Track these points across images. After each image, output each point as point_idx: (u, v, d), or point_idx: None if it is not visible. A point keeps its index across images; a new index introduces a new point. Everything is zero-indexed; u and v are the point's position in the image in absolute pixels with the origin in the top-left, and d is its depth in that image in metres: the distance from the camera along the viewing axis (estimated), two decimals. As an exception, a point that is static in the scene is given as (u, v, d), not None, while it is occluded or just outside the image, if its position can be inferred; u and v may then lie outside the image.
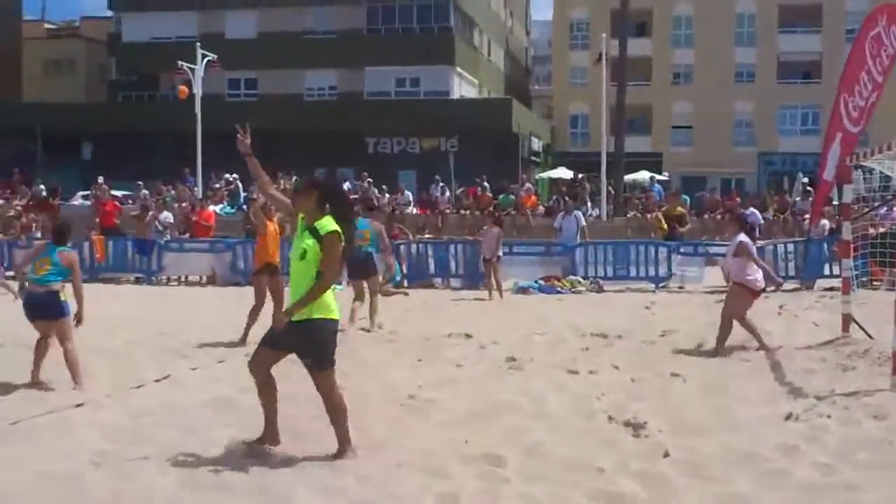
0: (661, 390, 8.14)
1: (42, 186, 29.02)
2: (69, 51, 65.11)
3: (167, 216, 21.12)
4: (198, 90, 34.63)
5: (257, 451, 5.96)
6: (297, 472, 5.58)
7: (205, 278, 20.28)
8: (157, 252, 20.15)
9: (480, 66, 53.89)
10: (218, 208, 27.75)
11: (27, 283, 8.34)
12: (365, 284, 12.24)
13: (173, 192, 28.91)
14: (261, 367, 6.04)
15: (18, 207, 24.36)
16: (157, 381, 8.51)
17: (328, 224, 5.67)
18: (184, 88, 32.05)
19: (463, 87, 49.89)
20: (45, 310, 8.12)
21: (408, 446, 6.18)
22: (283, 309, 6.02)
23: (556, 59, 60.29)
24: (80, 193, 35.57)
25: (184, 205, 25.26)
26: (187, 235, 21.57)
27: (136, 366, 9.27)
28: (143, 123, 46.25)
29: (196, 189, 31.83)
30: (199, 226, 21.38)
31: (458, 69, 48.92)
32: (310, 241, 5.65)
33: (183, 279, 20.53)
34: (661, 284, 18.48)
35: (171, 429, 6.55)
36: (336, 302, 5.90)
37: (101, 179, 26.37)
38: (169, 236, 21.01)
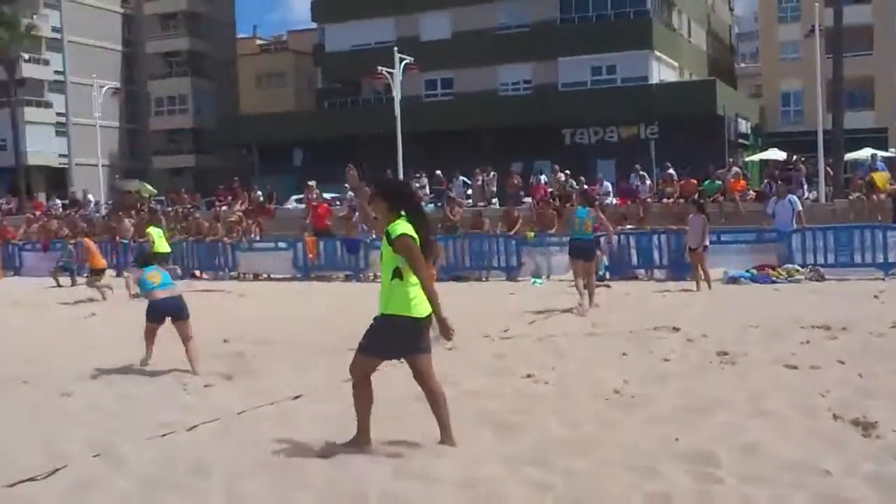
0: (893, 387, 7.52)
1: (259, 192, 30.79)
2: (279, 64, 68.92)
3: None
4: (397, 93, 35.64)
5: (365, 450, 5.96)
6: (506, 466, 5.57)
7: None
8: (364, 250, 20.89)
9: (680, 47, 52.27)
10: (420, 206, 28.34)
11: (154, 291, 9.56)
12: (583, 264, 13.52)
13: (377, 192, 29.82)
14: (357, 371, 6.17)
15: (239, 213, 25.91)
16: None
17: (397, 227, 5.72)
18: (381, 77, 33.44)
19: (662, 72, 48.53)
20: (183, 311, 9.51)
21: (615, 442, 6.04)
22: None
23: (764, 35, 57.60)
24: (294, 197, 37.48)
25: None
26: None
27: (348, 359, 9.58)
28: (348, 128, 48.12)
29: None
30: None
31: (657, 53, 47.64)
32: (386, 246, 5.76)
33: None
34: (890, 272, 17.18)
35: (384, 420, 6.73)
36: (423, 302, 5.77)
37: (312, 183, 27.61)
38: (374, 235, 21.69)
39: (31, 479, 5.59)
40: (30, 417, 7.41)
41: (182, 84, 65.65)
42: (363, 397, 6.03)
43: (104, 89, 45.67)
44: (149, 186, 36.62)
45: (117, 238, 23.99)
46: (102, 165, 46.23)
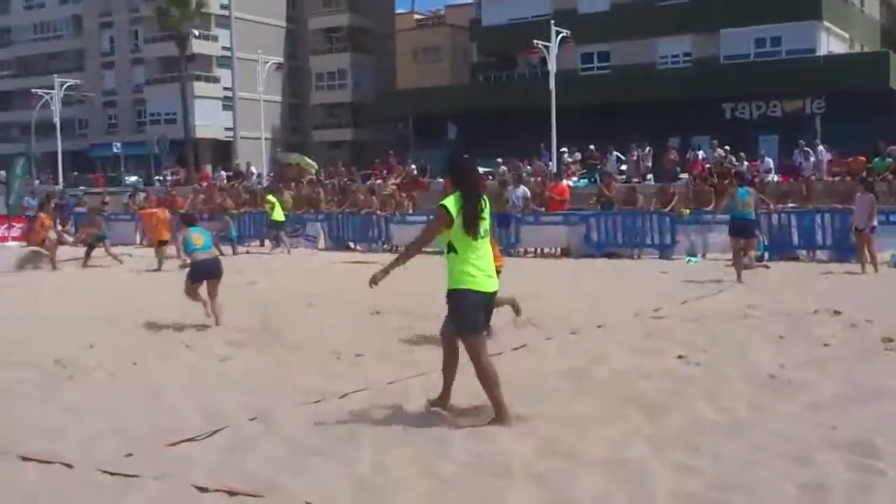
0: None
1: (413, 166, 31.27)
2: (436, 38, 69.48)
3: (523, 191, 21.78)
4: (552, 67, 35.31)
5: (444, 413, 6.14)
6: (652, 447, 5.48)
7: (559, 250, 20.70)
8: (515, 226, 20.88)
9: (852, 18, 49.37)
10: (571, 182, 28.13)
11: (196, 254, 10.62)
12: (743, 243, 14.13)
13: (529, 167, 29.76)
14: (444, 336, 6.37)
15: (393, 186, 26.41)
16: (514, 349, 8.80)
17: (445, 200, 5.88)
18: (536, 51, 33.24)
19: (831, 43, 46.00)
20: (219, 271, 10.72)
21: (768, 428, 5.82)
22: None
23: (945, 4, 53.65)
24: (447, 172, 37.83)
25: (538, 179, 25.89)
26: (543, 209, 22.12)
27: (496, 334, 9.64)
28: (502, 102, 48.09)
29: (551, 164, 32.53)
30: (553, 200, 21.83)
31: (826, 23, 45.17)
32: None
33: (538, 251, 21.12)
34: None
35: (527, 396, 6.74)
36: (493, 276, 6.01)
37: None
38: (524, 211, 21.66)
39: (192, 440, 5.90)
40: (191, 380, 7.83)
41: (342, 59, 67.24)
42: (488, 375, 6.07)
43: (268, 65, 47.38)
44: (308, 160, 37.72)
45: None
46: (265, 139, 48.10)
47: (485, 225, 5.94)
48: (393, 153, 35.09)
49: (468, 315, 5.92)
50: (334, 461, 5.37)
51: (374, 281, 6.19)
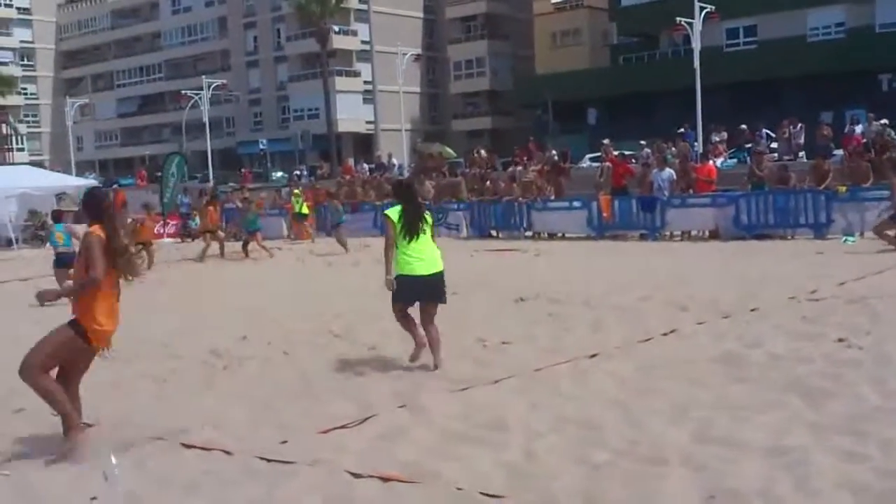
0: None
1: (553, 152, 30.96)
2: (574, 21, 68.68)
3: (669, 173, 21.21)
4: (696, 44, 34.25)
5: None
6: (815, 434, 5.20)
7: (707, 233, 20.06)
8: (661, 209, 20.36)
9: None
10: (719, 162, 27.20)
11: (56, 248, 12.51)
12: None
13: (674, 148, 28.97)
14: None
15: (534, 172, 26.23)
16: (664, 334, 8.56)
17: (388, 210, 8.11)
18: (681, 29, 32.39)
19: None
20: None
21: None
22: None
23: None
24: (588, 156, 37.34)
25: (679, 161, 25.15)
26: (690, 191, 21.47)
27: (644, 320, 9.42)
28: (644, 84, 47.08)
29: (696, 144, 31.57)
30: (699, 181, 21.16)
31: None
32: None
33: (686, 235, 20.53)
34: None
35: (681, 382, 6.51)
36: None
37: (606, 141, 27.33)
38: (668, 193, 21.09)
39: (343, 427, 5.98)
40: (340, 369, 7.96)
41: (479, 47, 67.36)
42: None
43: (407, 56, 47.98)
44: (449, 149, 37.97)
45: (420, 199, 25.13)
46: (405, 130, 48.75)
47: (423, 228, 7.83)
48: (533, 139, 34.86)
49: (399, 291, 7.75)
50: (485, 448, 5.34)
51: (389, 286, 7.73)
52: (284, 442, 5.72)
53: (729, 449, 5.06)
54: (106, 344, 5.82)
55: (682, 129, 32.87)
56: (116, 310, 5.84)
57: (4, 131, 76.91)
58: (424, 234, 7.84)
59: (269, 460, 5.38)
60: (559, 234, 22.14)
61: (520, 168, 27.72)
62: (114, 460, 5.09)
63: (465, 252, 18.47)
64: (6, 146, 78.48)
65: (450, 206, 24.72)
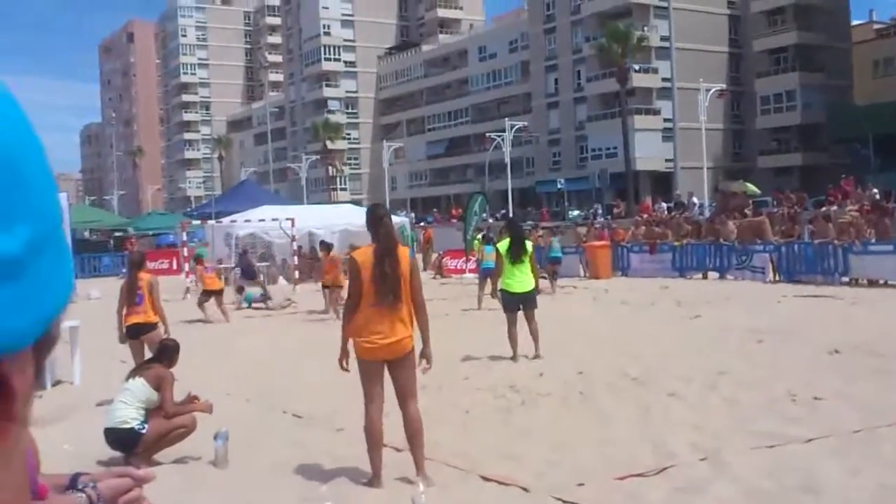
0: None
1: (875, 190, 28.68)
2: (896, 48, 63.47)
3: None
4: None
5: None
6: None
7: None
8: None
9: None
10: None
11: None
12: None
13: None
14: None
15: (852, 212, 24.39)
16: None
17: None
18: None
19: None
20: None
21: None
22: None
23: None
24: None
25: None
26: None
27: None
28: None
29: None
30: None
31: None
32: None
33: None
34: None
35: None
36: None
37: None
38: None
39: (640, 475, 5.82)
40: (638, 413, 7.77)
41: (789, 80, 64.05)
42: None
43: (710, 92, 46.67)
44: (751, 186, 36.30)
45: (720, 240, 24.19)
46: (707, 168, 47.31)
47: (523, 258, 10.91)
48: (847, 176, 32.48)
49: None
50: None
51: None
52: (581, 484, 5.67)
53: None
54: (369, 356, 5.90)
55: None
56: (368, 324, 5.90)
57: (331, 173, 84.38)
58: (523, 262, 10.78)
59: (564, 501, 5.36)
60: (881, 282, 20.20)
61: (834, 207, 25.93)
62: (421, 487, 5.34)
63: (772, 297, 17.49)
64: (332, 186, 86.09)
65: (754, 247, 23.55)
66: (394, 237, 5.96)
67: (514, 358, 10.71)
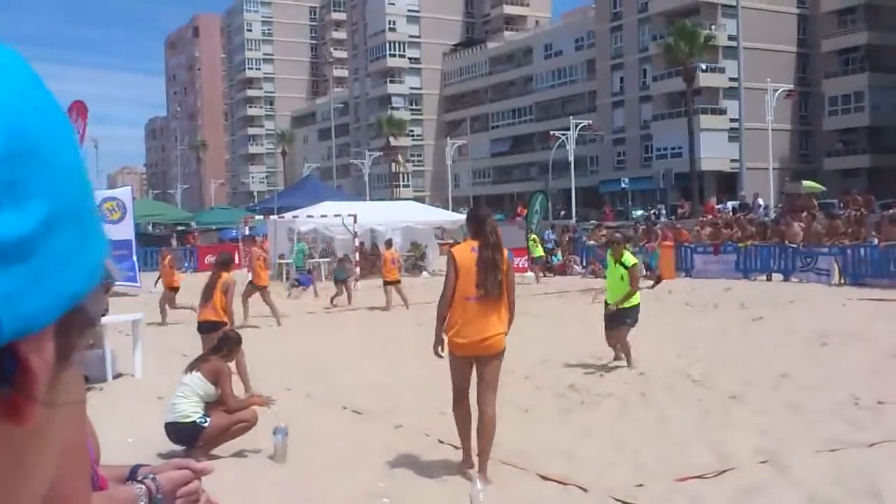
0: None
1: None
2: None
3: None
4: None
5: None
6: None
7: None
8: None
9: None
10: None
11: None
12: None
13: None
14: None
15: (919, 216, 23.81)
16: None
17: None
18: None
19: None
20: None
21: None
22: None
23: None
24: None
25: None
26: None
27: None
28: None
29: None
30: None
31: None
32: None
33: None
34: None
35: None
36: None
37: None
38: None
39: (700, 477, 5.85)
40: (699, 415, 7.77)
41: (858, 80, 62.63)
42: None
43: (777, 92, 45.89)
44: (815, 184, 35.58)
45: (786, 242, 23.83)
46: (773, 168, 46.54)
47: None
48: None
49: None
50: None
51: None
52: (640, 485, 5.71)
53: None
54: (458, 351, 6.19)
55: None
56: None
57: (394, 169, 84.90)
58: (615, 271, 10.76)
59: (623, 502, 5.41)
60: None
61: (904, 211, 25.34)
62: (479, 485, 5.44)
63: (836, 300, 17.21)
64: (395, 183, 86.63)
65: (819, 249, 23.15)
66: (500, 235, 6.21)
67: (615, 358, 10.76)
